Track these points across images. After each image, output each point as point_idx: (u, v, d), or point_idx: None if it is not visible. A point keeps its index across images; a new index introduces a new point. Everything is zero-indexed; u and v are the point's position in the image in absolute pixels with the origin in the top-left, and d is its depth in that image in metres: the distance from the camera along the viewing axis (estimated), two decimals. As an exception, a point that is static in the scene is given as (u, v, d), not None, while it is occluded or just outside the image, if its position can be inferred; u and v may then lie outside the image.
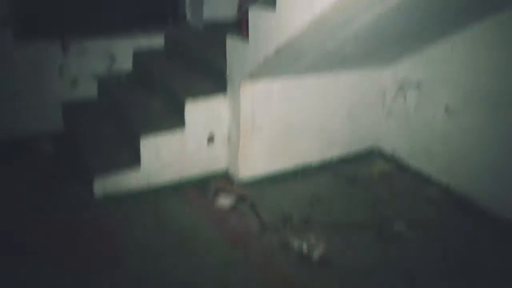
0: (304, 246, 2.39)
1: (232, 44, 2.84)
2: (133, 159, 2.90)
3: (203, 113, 2.98)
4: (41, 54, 3.62)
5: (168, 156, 2.94)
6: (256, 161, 3.07)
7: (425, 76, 3.06)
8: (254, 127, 2.94)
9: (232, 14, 4.17)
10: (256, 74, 2.72)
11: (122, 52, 3.94)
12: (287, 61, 2.62)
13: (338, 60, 2.89)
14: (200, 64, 3.47)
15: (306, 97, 3.09)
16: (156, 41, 4.10)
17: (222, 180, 3.08)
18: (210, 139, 3.02)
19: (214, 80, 3.12)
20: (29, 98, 3.60)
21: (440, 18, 2.52)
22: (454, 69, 2.85)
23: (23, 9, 3.55)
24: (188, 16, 4.44)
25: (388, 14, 2.20)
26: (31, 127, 3.61)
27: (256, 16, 2.50)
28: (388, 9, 2.13)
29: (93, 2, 3.97)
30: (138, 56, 3.96)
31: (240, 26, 2.67)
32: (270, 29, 2.39)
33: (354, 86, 3.28)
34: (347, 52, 2.69)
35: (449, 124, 2.93)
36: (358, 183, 3.14)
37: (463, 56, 2.79)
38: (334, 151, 3.39)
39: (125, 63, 3.97)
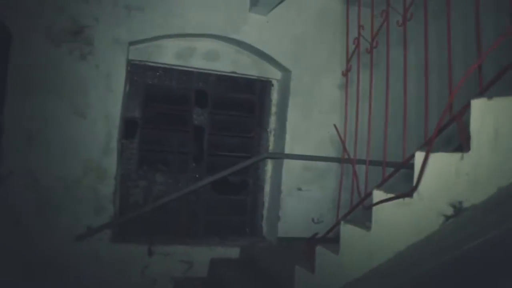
0: None
1: (300, 272, 3.08)
2: None
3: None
4: (129, 255, 4.04)
5: None
6: None
7: None
8: None
9: (303, 234, 4.48)
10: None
11: (200, 258, 4.26)
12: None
13: None
14: (273, 280, 3.69)
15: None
16: (233, 250, 4.41)
17: None
18: None
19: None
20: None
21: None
22: None
23: (121, 218, 4.14)
24: (264, 230, 4.85)
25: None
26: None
27: (322, 254, 2.78)
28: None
29: (179, 213, 4.56)
30: (215, 264, 4.27)
31: (308, 258, 2.94)
32: (333, 270, 2.63)
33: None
34: None
35: None
36: None
37: None
38: None
39: (201, 269, 4.26)
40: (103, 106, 3.95)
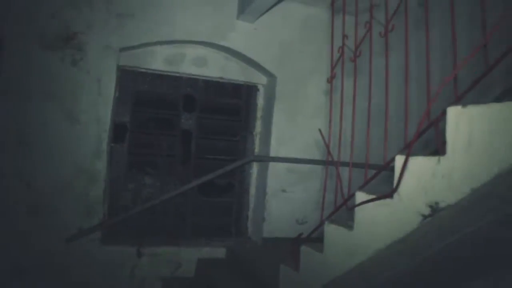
0: None
1: (285, 271, 3.20)
2: None
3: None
4: (119, 257, 4.14)
5: None
6: None
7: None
8: None
9: (288, 234, 4.60)
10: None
11: (187, 258, 4.38)
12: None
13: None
14: (258, 278, 3.79)
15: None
16: (219, 250, 4.54)
17: None
18: None
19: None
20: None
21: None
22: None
23: (111, 220, 4.20)
24: (250, 231, 4.97)
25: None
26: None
27: (306, 253, 2.90)
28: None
29: (167, 215, 4.69)
30: (202, 264, 4.39)
31: (293, 257, 3.06)
32: (317, 268, 2.76)
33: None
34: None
35: None
36: None
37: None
38: None
39: (189, 269, 4.37)
40: (93, 110, 4.03)
